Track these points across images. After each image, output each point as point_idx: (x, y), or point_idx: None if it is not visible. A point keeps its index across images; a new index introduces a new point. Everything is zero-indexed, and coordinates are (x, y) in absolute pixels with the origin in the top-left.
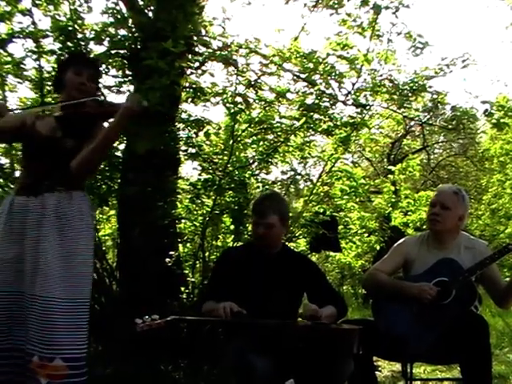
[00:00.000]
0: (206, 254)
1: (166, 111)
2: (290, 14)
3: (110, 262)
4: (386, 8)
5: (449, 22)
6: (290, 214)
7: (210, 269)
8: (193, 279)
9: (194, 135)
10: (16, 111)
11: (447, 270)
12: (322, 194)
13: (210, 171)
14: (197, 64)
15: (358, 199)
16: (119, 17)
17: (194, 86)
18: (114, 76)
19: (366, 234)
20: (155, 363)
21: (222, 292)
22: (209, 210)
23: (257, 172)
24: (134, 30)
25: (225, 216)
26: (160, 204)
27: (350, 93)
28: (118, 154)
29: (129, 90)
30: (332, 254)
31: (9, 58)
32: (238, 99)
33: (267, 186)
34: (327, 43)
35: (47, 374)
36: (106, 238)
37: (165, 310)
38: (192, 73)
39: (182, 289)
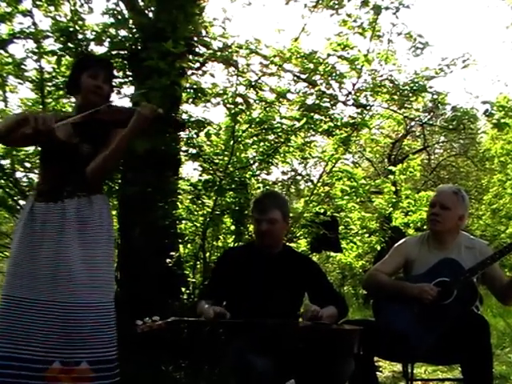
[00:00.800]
0: (207, 254)
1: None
2: (291, 14)
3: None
4: (387, 8)
5: (449, 22)
6: (291, 215)
7: (210, 269)
8: (193, 280)
9: (194, 136)
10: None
11: (448, 270)
12: (322, 194)
13: (211, 172)
14: (197, 65)
15: (358, 199)
16: (120, 17)
17: (194, 86)
18: (114, 77)
19: (366, 235)
20: (156, 363)
21: (220, 292)
22: (209, 210)
23: (257, 172)
24: (134, 30)
25: (225, 216)
26: (160, 204)
27: (350, 93)
28: None
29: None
30: (333, 254)
31: (9, 59)
32: (239, 100)
33: (268, 187)
34: (328, 44)
35: (73, 377)
36: None
37: (165, 311)
38: (192, 73)
39: (183, 289)
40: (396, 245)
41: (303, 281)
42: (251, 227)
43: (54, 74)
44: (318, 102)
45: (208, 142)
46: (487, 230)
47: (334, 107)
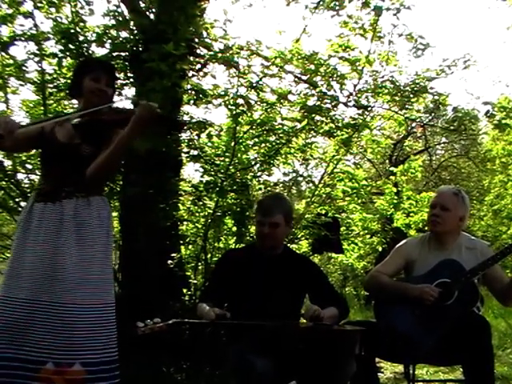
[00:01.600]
0: (208, 255)
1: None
2: (292, 15)
3: (112, 264)
4: (387, 9)
5: (450, 23)
6: (293, 216)
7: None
8: (195, 281)
9: (195, 137)
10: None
11: (449, 271)
12: (323, 195)
13: (212, 173)
14: (198, 66)
15: (359, 200)
16: (121, 19)
17: (195, 88)
18: (116, 79)
19: (368, 236)
20: (157, 365)
21: (220, 294)
22: (211, 211)
23: (259, 174)
24: (135, 32)
25: (227, 218)
26: (162, 206)
27: (351, 94)
28: None
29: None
30: (334, 255)
31: (11, 61)
32: (240, 101)
33: (269, 188)
34: (329, 45)
35: (66, 379)
36: None
37: (166, 312)
38: (193, 75)
39: (184, 290)
40: (397, 246)
41: (304, 282)
42: (252, 228)
43: (55, 75)
44: (319, 103)
45: (209, 144)
46: (488, 231)
47: (335, 108)
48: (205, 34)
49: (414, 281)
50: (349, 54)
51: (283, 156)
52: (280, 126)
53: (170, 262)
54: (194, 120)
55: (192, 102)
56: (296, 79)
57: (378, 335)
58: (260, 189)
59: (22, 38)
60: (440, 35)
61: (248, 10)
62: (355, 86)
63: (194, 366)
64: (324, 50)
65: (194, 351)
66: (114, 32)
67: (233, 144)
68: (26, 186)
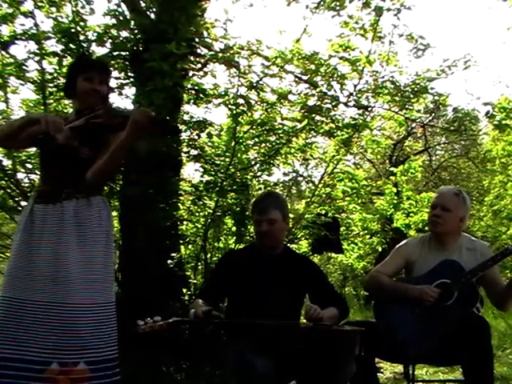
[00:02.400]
0: (208, 255)
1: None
2: (292, 15)
3: (113, 263)
4: (388, 10)
5: (450, 24)
6: (292, 216)
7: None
8: (194, 281)
9: (196, 137)
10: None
11: (449, 271)
12: (323, 195)
13: (212, 173)
14: (199, 66)
15: (359, 201)
16: (121, 19)
17: (196, 87)
18: (116, 78)
19: (367, 236)
20: (157, 364)
21: (216, 293)
22: (211, 211)
23: (259, 174)
24: (136, 31)
25: (227, 218)
26: (162, 206)
27: (351, 94)
28: None
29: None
30: (334, 255)
31: (11, 60)
32: (240, 101)
33: (269, 188)
34: (329, 45)
35: (71, 378)
36: None
37: (166, 312)
38: (194, 74)
39: (184, 290)
40: (397, 246)
41: (304, 282)
42: (252, 228)
43: (55, 75)
44: (319, 103)
45: (209, 143)
46: (488, 232)
47: (335, 108)
48: (205, 33)
49: (413, 281)
50: (349, 54)
51: (283, 156)
52: (280, 126)
53: (169, 261)
54: (194, 120)
55: (192, 101)
56: (296, 79)
57: (377, 335)
58: (260, 189)
59: (23, 38)
60: (440, 36)
61: (248, 9)
62: (355, 86)
63: (193, 365)
64: (324, 50)
65: (193, 351)
66: (114, 31)
67: (233, 144)
68: (26, 185)
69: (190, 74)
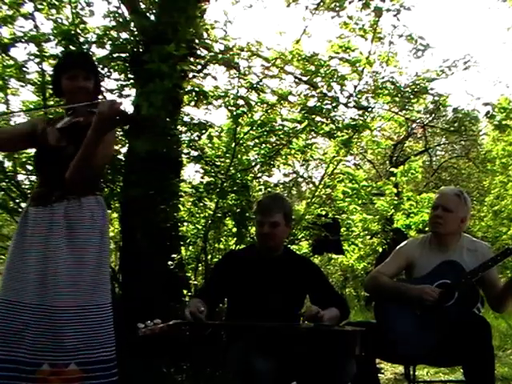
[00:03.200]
0: (209, 256)
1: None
2: (292, 16)
3: (113, 265)
4: (388, 10)
5: (450, 24)
6: (293, 217)
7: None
8: (195, 282)
9: (196, 138)
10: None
11: (450, 272)
12: (324, 196)
13: (213, 174)
14: (199, 67)
15: (360, 201)
16: (121, 20)
17: (196, 89)
18: (116, 79)
19: (368, 237)
20: (157, 366)
21: (214, 293)
22: (211, 212)
23: (259, 175)
24: (135, 33)
25: (227, 219)
26: (162, 207)
27: (351, 95)
28: (121, 156)
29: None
30: (334, 256)
31: (11, 62)
32: (240, 102)
33: (269, 189)
34: (329, 46)
35: (62, 379)
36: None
37: (167, 313)
38: (194, 76)
39: (185, 291)
40: (398, 247)
41: (304, 283)
42: (253, 229)
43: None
44: (319, 104)
45: (210, 145)
46: (489, 232)
47: (335, 109)
48: (205, 34)
49: (414, 282)
50: (349, 55)
51: (283, 157)
52: (280, 127)
53: (170, 262)
54: (194, 121)
55: (192, 103)
56: (296, 80)
57: (378, 336)
58: (260, 190)
59: (23, 40)
60: (440, 36)
61: (248, 10)
62: (355, 86)
63: (194, 366)
64: (324, 50)
65: (194, 352)
66: (114, 33)
67: (233, 145)
68: (27, 187)
69: (190, 75)
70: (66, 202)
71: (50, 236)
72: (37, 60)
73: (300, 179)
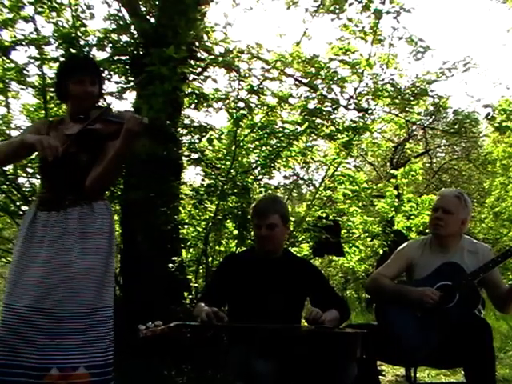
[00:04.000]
0: (209, 259)
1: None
2: (292, 19)
3: (114, 267)
4: (387, 13)
5: (450, 26)
6: (293, 219)
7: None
8: (196, 284)
9: (196, 141)
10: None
11: (450, 273)
12: (324, 198)
13: (213, 176)
14: (199, 70)
15: (360, 203)
16: (121, 23)
17: (196, 91)
18: (116, 82)
19: (369, 239)
20: (158, 368)
21: (217, 295)
22: (212, 215)
23: (259, 177)
24: (136, 36)
25: (228, 221)
26: (163, 209)
27: (352, 97)
28: None
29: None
30: (335, 258)
31: (12, 65)
32: (241, 104)
33: (270, 191)
34: (329, 48)
35: (71, 383)
36: None
37: (168, 316)
38: (194, 78)
39: (185, 294)
40: (398, 249)
41: (305, 285)
42: (253, 233)
43: (55, 79)
44: (319, 106)
45: (210, 147)
46: (489, 233)
47: (335, 111)
48: (205, 37)
49: (415, 283)
50: (349, 57)
51: (284, 159)
52: (281, 129)
53: (170, 265)
54: (194, 123)
55: (193, 105)
56: (296, 82)
57: (379, 338)
58: (261, 192)
59: (23, 43)
60: (440, 38)
61: (248, 13)
62: (356, 89)
63: (195, 369)
64: (324, 53)
65: (195, 354)
66: (114, 36)
67: (233, 147)
68: (27, 190)
69: (191, 78)
70: (80, 208)
71: (63, 240)
72: (37, 63)
73: (300, 181)
